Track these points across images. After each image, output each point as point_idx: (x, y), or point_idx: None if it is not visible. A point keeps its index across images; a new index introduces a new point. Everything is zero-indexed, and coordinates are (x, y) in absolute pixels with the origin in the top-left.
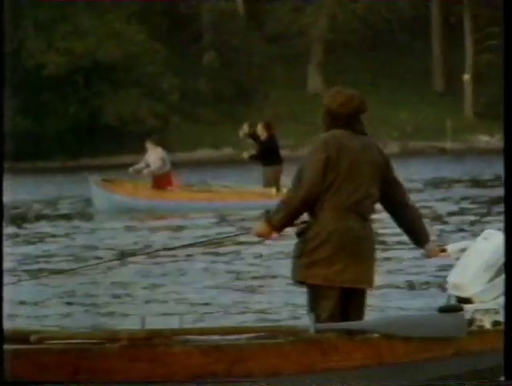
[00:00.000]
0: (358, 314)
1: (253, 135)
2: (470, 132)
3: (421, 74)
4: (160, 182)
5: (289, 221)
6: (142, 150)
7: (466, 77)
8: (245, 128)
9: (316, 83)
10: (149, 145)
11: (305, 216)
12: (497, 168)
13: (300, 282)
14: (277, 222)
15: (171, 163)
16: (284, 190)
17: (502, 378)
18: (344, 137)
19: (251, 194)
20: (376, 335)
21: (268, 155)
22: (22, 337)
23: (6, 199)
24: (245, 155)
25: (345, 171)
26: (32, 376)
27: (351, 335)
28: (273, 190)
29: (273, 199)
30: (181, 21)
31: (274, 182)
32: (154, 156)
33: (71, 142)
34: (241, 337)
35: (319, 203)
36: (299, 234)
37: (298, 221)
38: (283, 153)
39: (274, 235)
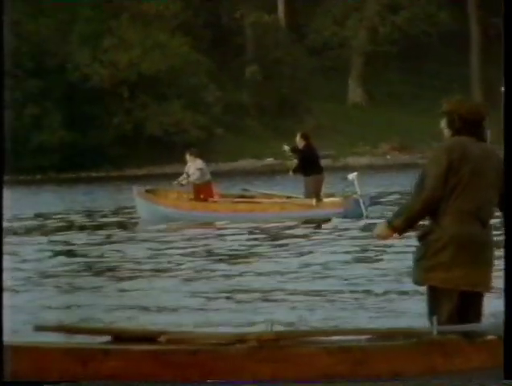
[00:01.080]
0: (477, 316)
1: (293, 149)
2: None
3: (460, 85)
4: (201, 191)
5: (410, 224)
6: (185, 161)
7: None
8: (285, 147)
9: (357, 95)
10: (188, 157)
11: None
12: None
13: (421, 284)
14: (398, 225)
15: (214, 173)
16: (325, 200)
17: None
18: (467, 143)
19: (291, 204)
20: (495, 337)
21: (307, 165)
22: (149, 337)
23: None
24: (291, 173)
25: (468, 177)
26: (162, 376)
27: (470, 337)
28: (313, 201)
29: (313, 209)
30: (224, 34)
31: (314, 191)
32: (193, 167)
33: (116, 153)
34: (361, 338)
35: (441, 207)
36: (421, 237)
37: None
38: (325, 163)
39: (395, 236)
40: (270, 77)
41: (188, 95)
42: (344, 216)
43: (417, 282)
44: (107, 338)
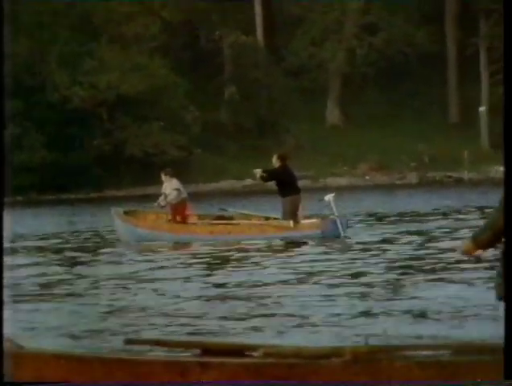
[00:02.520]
0: None
1: (265, 171)
2: (486, 162)
3: (437, 105)
4: (177, 210)
5: (494, 240)
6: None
7: (482, 109)
8: (256, 170)
9: (335, 115)
10: (164, 178)
11: None
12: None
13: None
14: (482, 241)
15: (194, 194)
16: (303, 221)
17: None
18: None
19: (269, 226)
20: None
21: (284, 186)
22: (238, 351)
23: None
24: (258, 174)
25: None
26: None
27: None
28: (290, 223)
29: (291, 230)
30: (203, 55)
31: (291, 212)
32: (169, 187)
33: (96, 174)
34: (444, 353)
35: None
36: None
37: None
38: (305, 183)
39: (479, 252)
40: (249, 98)
41: (168, 116)
42: (323, 237)
43: (501, 297)
44: (196, 351)
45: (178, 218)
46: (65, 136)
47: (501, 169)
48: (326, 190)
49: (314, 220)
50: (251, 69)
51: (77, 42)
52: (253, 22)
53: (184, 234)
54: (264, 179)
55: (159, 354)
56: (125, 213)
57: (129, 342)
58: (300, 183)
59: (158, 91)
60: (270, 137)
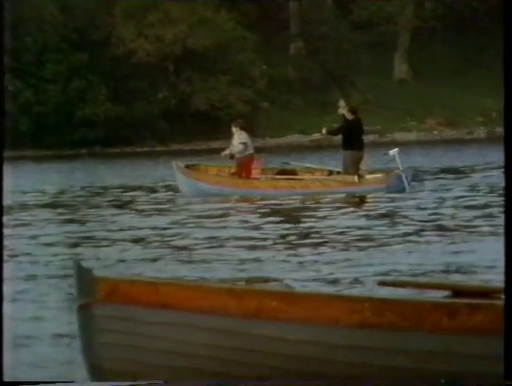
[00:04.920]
0: None
1: (344, 116)
2: None
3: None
4: (243, 165)
5: None
6: (231, 136)
7: None
8: (342, 103)
9: (402, 70)
10: (234, 129)
11: None
12: None
13: None
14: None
15: (261, 149)
16: (367, 176)
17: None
18: None
19: (333, 181)
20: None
21: (350, 138)
22: (488, 292)
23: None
24: (324, 130)
25: None
26: None
27: None
28: (355, 178)
29: (355, 185)
30: (269, 9)
31: (352, 166)
32: (237, 140)
33: (161, 128)
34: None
35: None
36: None
37: None
38: (372, 138)
39: None
40: (316, 52)
41: (234, 70)
42: (388, 192)
43: None
44: (447, 293)
45: (242, 172)
46: (130, 89)
47: None
48: (393, 144)
49: (379, 175)
50: (318, 23)
51: None
52: None
53: (248, 189)
54: (333, 133)
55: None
56: (187, 167)
57: (382, 283)
58: (367, 138)
59: (224, 45)
60: (337, 91)
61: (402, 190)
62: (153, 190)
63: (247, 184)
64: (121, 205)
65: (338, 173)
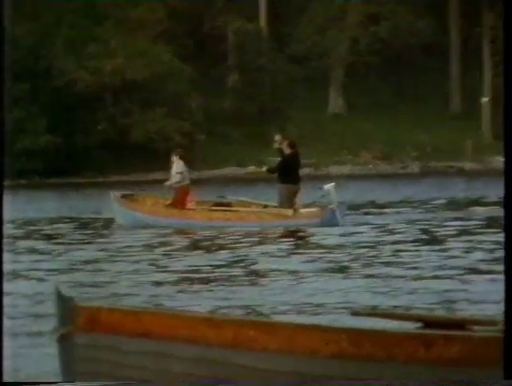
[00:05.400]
0: None
1: (280, 149)
2: (488, 153)
3: (440, 96)
4: (178, 196)
5: None
6: (168, 167)
7: (484, 100)
8: (278, 138)
9: (337, 104)
10: (173, 158)
11: None
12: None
13: None
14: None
15: (197, 181)
16: (302, 210)
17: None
18: None
19: (268, 214)
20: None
21: (286, 172)
22: (458, 324)
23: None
24: (263, 168)
25: None
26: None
27: None
28: (290, 211)
29: (290, 219)
30: (207, 41)
31: (287, 200)
32: (174, 169)
33: (100, 159)
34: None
35: None
36: None
37: None
38: (307, 171)
39: None
40: (252, 85)
41: (172, 102)
42: (321, 226)
43: None
44: (417, 324)
45: (178, 203)
46: (69, 120)
47: (502, 159)
48: (328, 178)
49: (313, 209)
50: (255, 56)
51: (83, 26)
52: (258, 9)
53: (183, 219)
54: (272, 172)
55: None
56: (124, 197)
57: (355, 313)
58: (302, 171)
59: (162, 77)
60: (273, 124)
61: (336, 225)
62: (86, 221)
63: (182, 215)
64: (51, 236)
65: (274, 207)
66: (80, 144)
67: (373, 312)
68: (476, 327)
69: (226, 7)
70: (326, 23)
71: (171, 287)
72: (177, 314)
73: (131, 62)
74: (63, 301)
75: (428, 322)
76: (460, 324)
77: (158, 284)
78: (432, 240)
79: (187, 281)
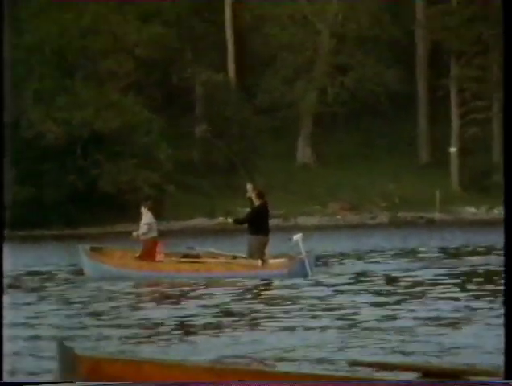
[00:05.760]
0: None
1: (250, 199)
2: (457, 203)
3: (408, 146)
4: (147, 247)
5: None
6: (138, 219)
7: (452, 150)
8: (249, 187)
9: (305, 154)
10: (143, 210)
11: None
12: (480, 238)
13: None
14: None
15: (166, 232)
16: (270, 261)
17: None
18: None
19: (237, 265)
20: None
21: (256, 223)
22: (456, 374)
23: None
24: (230, 219)
25: None
26: None
27: None
28: (259, 262)
29: (258, 269)
30: (175, 92)
31: (257, 251)
32: (142, 221)
33: (69, 211)
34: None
35: None
36: None
37: None
38: (275, 222)
39: None
40: (220, 135)
41: (141, 153)
42: (290, 277)
43: None
44: (416, 374)
45: (147, 255)
46: (38, 172)
47: (471, 210)
48: (297, 229)
49: (281, 260)
50: (222, 107)
51: (52, 78)
52: (225, 60)
53: (151, 271)
54: (240, 223)
55: (387, 375)
56: (92, 250)
57: (354, 363)
58: (271, 222)
59: (131, 128)
60: (241, 175)
61: (305, 276)
62: (53, 274)
63: (151, 267)
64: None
65: (243, 258)
66: (49, 196)
67: (372, 362)
68: (472, 378)
69: (194, 58)
70: (293, 74)
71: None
72: (178, 364)
73: (100, 113)
74: (64, 351)
75: (427, 372)
76: (457, 374)
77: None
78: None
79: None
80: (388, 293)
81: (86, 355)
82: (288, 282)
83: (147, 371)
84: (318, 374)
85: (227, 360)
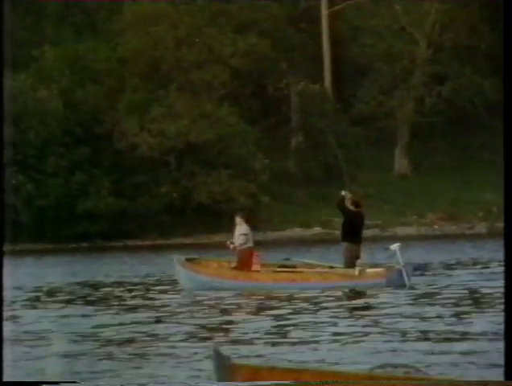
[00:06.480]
0: None
1: (345, 206)
2: None
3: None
4: (243, 258)
5: None
6: (231, 229)
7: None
8: (347, 194)
9: (403, 165)
10: (237, 220)
11: None
12: None
13: None
14: None
15: (262, 242)
16: (368, 270)
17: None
18: None
19: (333, 274)
20: None
21: (350, 230)
22: None
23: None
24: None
25: None
26: None
27: None
28: (356, 271)
29: (355, 279)
30: (271, 103)
31: (351, 258)
32: (238, 231)
33: (163, 222)
34: None
35: None
36: None
37: None
38: (373, 232)
39: None
40: (316, 146)
41: (236, 164)
42: (387, 286)
43: None
44: None
45: (243, 266)
46: (132, 183)
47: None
48: (395, 239)
49: (379, 269)
50: (319, 118)
51: (146, 89)
52: (321, 71)
53: (248, 281)
54: (341, 206)
55: None
56: (187, 260)
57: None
58: (369, 232)
59: (226, 139)
60: (338, 185)
61: (403, 286)
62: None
63: (247, 277)
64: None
65: (339, 268)
66: (143, 207)
67: (407, 376)
68: None
69: (290, 69)
70: (390, 83)
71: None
72: (336, 372)
73: (195, 124)
74: (221, 360)
75: None
76: None
77: None
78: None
79: None
80: None
81: (243, 363)
82: None
83: (306, 380)
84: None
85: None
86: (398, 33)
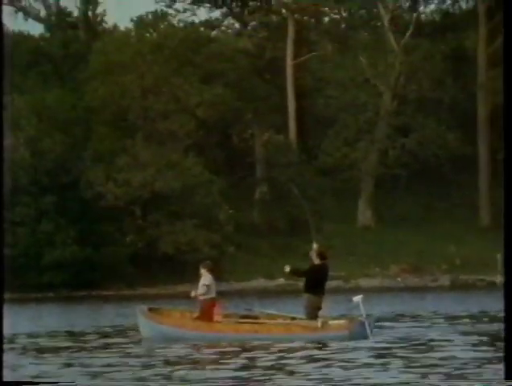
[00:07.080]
0: None
1: (294, 271)
2: None
3: (469, 208)
4: (205, 308)
5: None
6: (196, 280)
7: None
8: (315, 247)
9: (367, 216)
10: (202, 271)
11: None
12: None
13: None
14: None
15: (226, 293)
16: (330, 322)
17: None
18: None
19: (296, 326)
20: None
21: (313, 282)
22: None
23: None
24: (287, 268)
25: None
26: None
27: None
28: (318, 323)
29: (318, 331)
30: (236, 154)
31: (313, 310)
32: (201, 281)
33: (128, 272)
34: None
35: None
36: None
37: None
38: (337, 284)
39: None
40: (281, 197)
41: (201, 213)
42: (350, 339)
43: None
44: None
45: (205, 316)
46: (98, 232)
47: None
48: (358, 290)
49: (341, 321)
50: (283, 169)
51: (112, 138)
52: (286, 121)
53: (210, 332)
54: (297, 274)
55: None
56: (150, 310)
57: None
58: (332, 284)
59: (191, 189)
60: (302, 236)
61: (365, 337)
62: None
63: (209, 327)
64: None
65: (301, 319)
66: (108, 256)
67: None
68: None
69: (255, 120)
70: (355, 135)
71: None
72: None
73: (161, 174)
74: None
75: None
76: None
77: None
78: None
79: None
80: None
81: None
82: None
83: None
84: None
85: None
86: (362, 85)
